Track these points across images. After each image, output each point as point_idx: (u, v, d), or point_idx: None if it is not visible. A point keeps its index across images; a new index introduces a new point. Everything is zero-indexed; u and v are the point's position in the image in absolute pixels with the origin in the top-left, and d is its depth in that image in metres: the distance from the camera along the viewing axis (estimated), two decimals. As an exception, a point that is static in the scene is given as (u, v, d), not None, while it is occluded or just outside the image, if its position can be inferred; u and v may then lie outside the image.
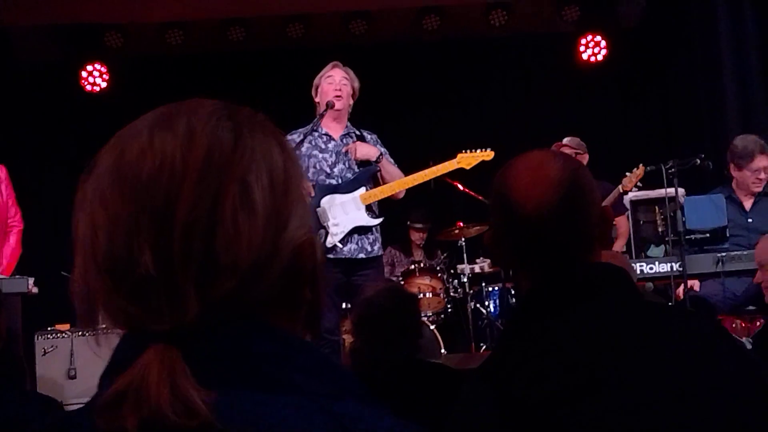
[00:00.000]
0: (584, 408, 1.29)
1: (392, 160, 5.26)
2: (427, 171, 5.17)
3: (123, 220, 0.83)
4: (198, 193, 0.82)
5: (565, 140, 6.75)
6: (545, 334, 1.42)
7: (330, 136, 5.16)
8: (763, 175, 5.52)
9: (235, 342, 0.82)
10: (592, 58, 8.49)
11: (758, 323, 5.07)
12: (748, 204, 5.63)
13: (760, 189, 5.57)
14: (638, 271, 5.19)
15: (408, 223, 7.71)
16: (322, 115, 5.08)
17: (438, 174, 5.19)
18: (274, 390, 0.81)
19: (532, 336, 1.43)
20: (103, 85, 8.30)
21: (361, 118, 5.39)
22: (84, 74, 8.28)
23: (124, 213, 0.83)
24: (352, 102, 5.21)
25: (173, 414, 0.76)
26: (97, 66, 8.30)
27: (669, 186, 5.21)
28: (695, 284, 5.41)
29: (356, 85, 5.18)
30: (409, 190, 5.23)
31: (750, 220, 5.59)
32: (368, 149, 5.12)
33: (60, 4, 7.78)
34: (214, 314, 0.82)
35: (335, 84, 5.10)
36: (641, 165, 5.91)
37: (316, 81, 5.18)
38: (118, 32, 8.22)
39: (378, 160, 5.11)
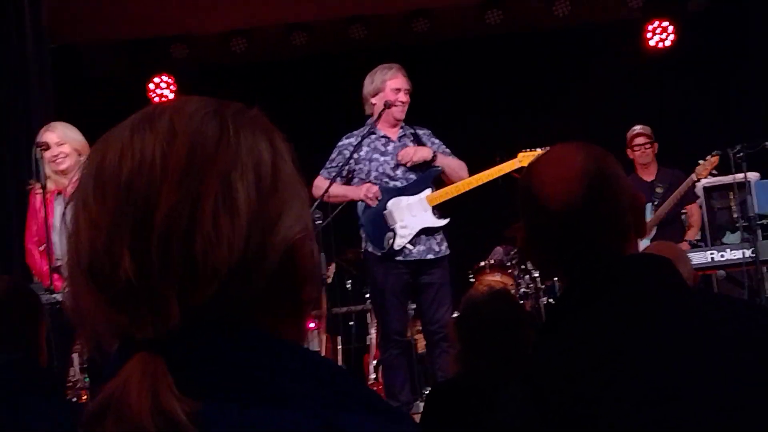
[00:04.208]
0: (620, 407, 1.27)
1: (448, 150, 5.26)
2: (490, 170, 5.17)
3: (103, 225, 0.79)
4: (178, 195, 0.78)
5: (638, 128, 6.62)
6: (580, 333, 1.38)
7: (388, 138, 5.17)
8: None
9: (220, 349, 0.78)
10: (660, 45, 8.34)
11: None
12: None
13: None
14: (709, 259, 5.09)
15: None
16: (379, 117, 5.09)
17: (501, 173, 5.17)
18: (264, 400, 0.76)
19: (568, 336, 1.40)
20: (171, 96, 8.44)
21: (425, 116, 5.39)
22: (151, 86, 8.42)
23: (104, 217, 0.79)
24: None
25: (154, 427, 0.72)
26: (164, 78, 8.44)
27: (738, 171, 5.10)
28: None
29: (411, 88, 5.20)
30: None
31: None
32: (421, 152, 5.11)
33: (126, 19, 7.93)
34: (198, 321, 0.78)
35: (402, 96, 5.11)
36: (716, 153, 5.78)
37: (377, 83, 5.14)
38: (183, 43, 8.35)
39: (433, 159, 5.11)
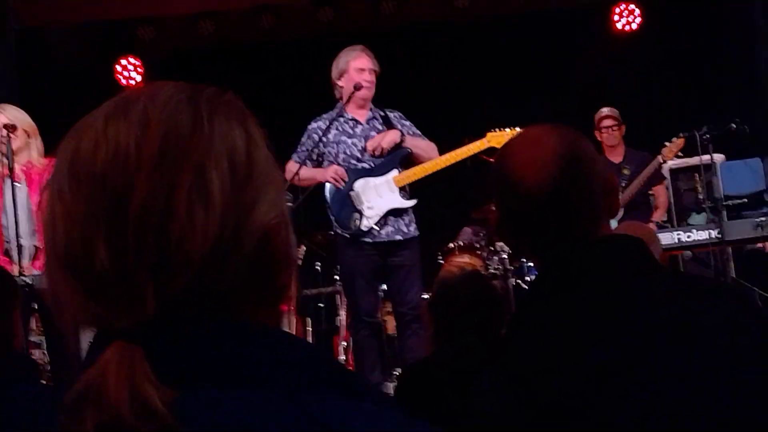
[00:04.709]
0: (596, 396, 1.25)
1: (418, 131, 5.27)
2: (458, 151, 5.17)
3: (78, 215, 0.80)
4: (152, 184, 0.78)
5: (606, 111, 6.65)
6: (560, 319, 1.37)
7: (356, 121, 5.18)
8: None
9: (196, 337, 0.78)
10: (627, 27, 8.39)
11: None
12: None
13: None
14: (676, 240, 5.15)
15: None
16: (348, 100, 5.09)
17: (469, 154, 5.18)
18: (240, 385, 0.76)
19: (547, 322, 1.38)
20: (138, 78, 8.38)
21: (393, 98, 5.38)
22: (119, 68, 8.35)
23: (79, 207, 0.80)
24: None
25: (132, 416, 0.72)
26: (131, 60, 8.37)
27: (704, 152, 5.15)
28: None
29: (378, 69, 5.20)
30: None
31: None
32: (389, 136, 5.11)
33: (91, 0, 7.84)
34: (174, 309, 0.78)
35: (367, 76, 5.10)
36: (682, 134, 5.83)
37: (341, 65, 5.15)
38: (150, 25, 8.27)
39: (402, 141, 5.11)
